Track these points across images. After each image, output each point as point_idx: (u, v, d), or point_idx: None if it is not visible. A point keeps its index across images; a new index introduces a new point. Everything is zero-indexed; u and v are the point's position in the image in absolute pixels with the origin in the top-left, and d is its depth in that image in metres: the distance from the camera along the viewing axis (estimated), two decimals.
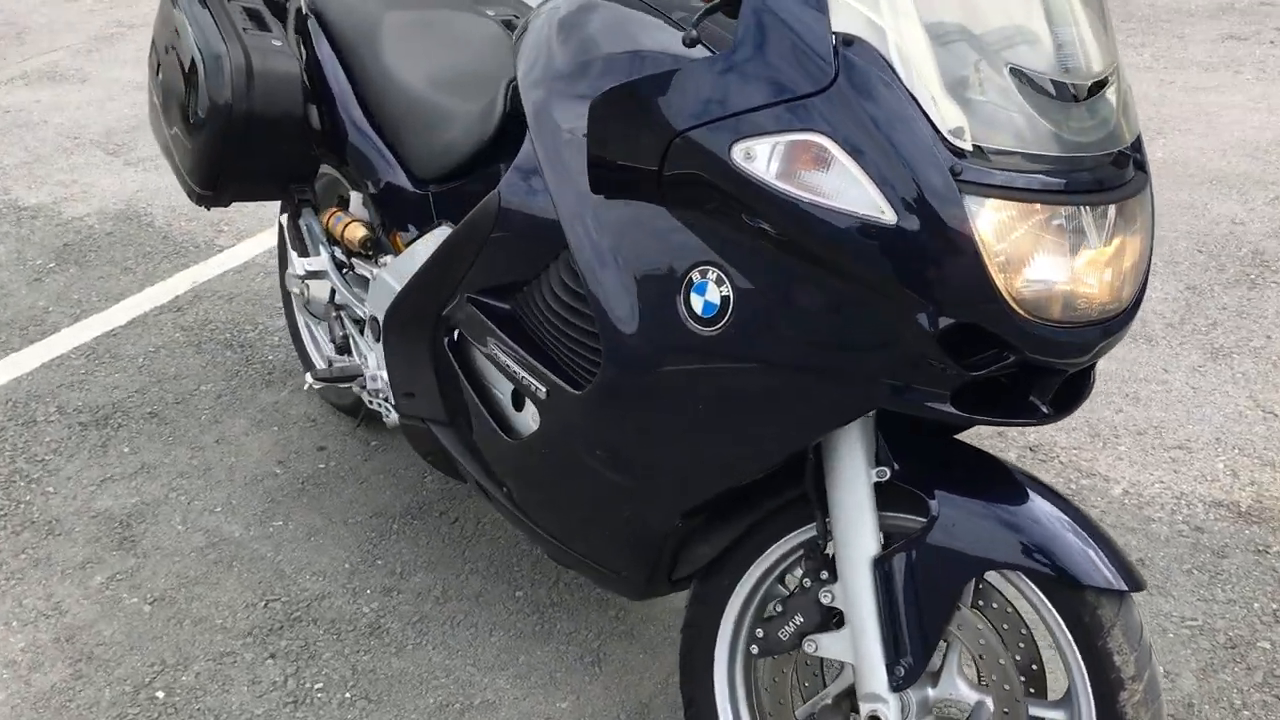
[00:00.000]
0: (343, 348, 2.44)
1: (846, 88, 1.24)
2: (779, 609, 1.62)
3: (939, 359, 1.27)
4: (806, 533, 1.62)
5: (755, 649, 1.64)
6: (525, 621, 2.31)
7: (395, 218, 2.23)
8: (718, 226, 1.40)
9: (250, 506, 2.65)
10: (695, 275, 1.44)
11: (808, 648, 1.59)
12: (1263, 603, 2.29)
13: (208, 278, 3.70)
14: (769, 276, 1.37)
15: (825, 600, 1.56)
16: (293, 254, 2.52)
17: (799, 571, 1.62)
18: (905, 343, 1.28)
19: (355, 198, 2.43)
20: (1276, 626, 2.23)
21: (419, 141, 2.16)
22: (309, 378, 2.36)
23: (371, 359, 2.33)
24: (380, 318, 2.24)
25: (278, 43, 2.38)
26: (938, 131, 1.22)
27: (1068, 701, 1.49)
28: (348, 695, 2.14)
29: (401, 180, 2.22)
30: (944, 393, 1.30)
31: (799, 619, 1.59)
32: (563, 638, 2.26)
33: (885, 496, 1.52)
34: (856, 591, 1.52)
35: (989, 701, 1.52)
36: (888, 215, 1.23)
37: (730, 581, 1.69)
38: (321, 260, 2.47)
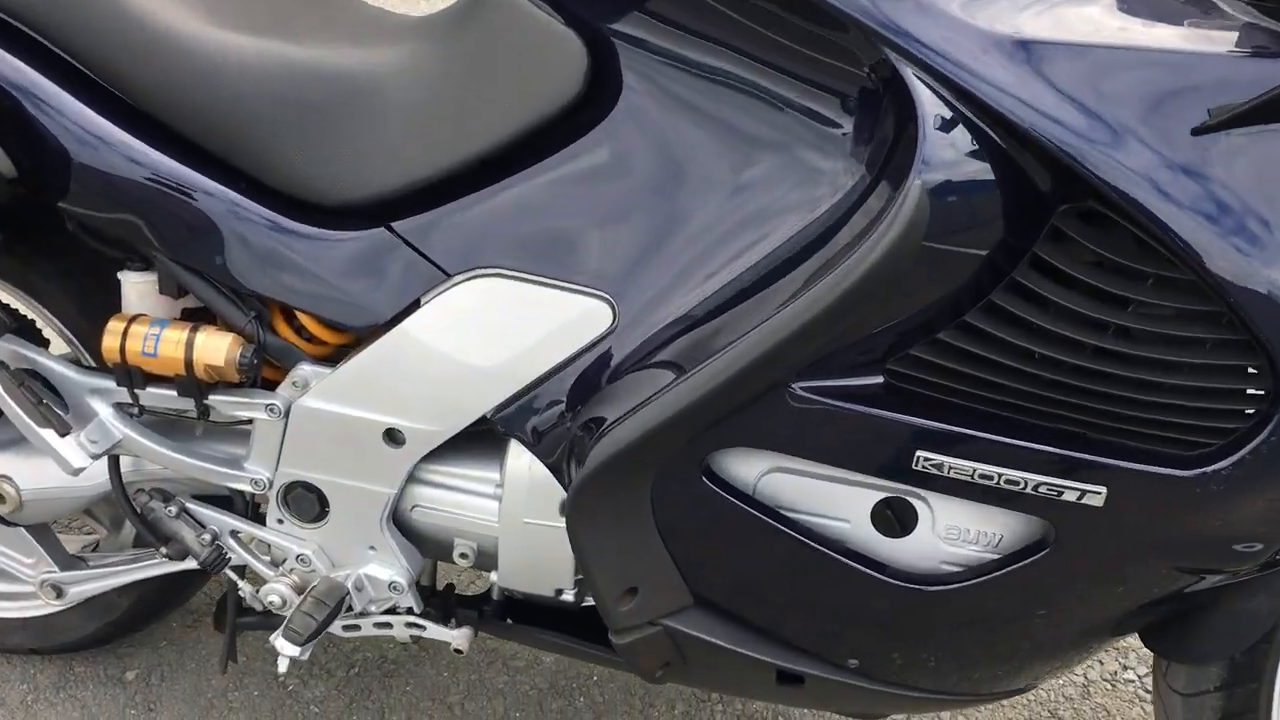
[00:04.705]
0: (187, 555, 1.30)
1: None
2: None
3: None
4: None
5: None
6: None
7: (309, 296, 1.17)
8: None
9: None
10: None
11: None
12: None
13: None
14: None
15: None
16: (56, 440, 1.23)
17: None
18: None
19: (139, 282, 1.24)
20: None
21: (359, 140, 1.13)
22: (290, 648, 1.21)
23: (311, 547, 1.27)
24: (327, 478, 1.22)
25: None
26: None
27: None
28: None
29: (300, 224, 1.16)
30: None
31: None
32: None
33: None
34: None
35: None
36: None
37: None
38: (106, 421, 1.25)
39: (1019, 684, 1.24)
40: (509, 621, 1.37)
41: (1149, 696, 1.69)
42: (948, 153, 0.91)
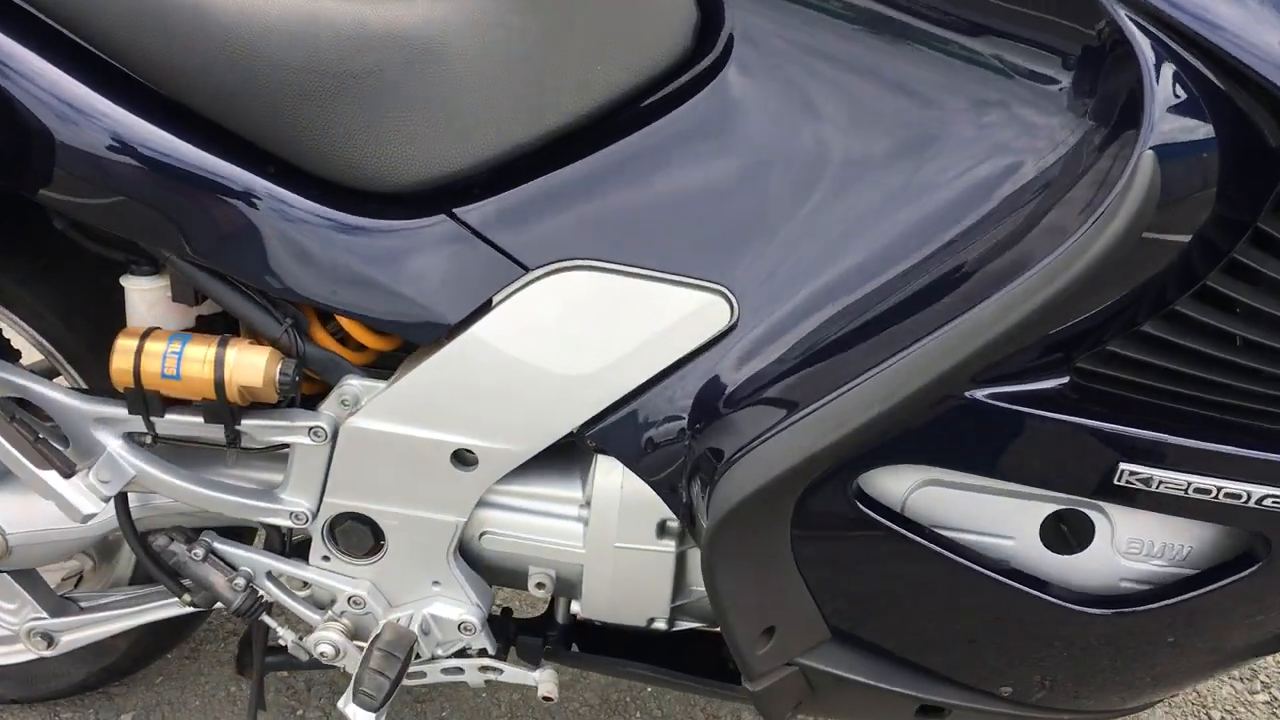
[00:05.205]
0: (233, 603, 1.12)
1: None
2: None
3: None
4: None
5: None
6: None
7: (359, 299, 0.98)
8: None
9: None
10: None
11: None
12: None
13: None
14: None
15: None
16: (60, 483, 1.03)
17: None
18: None
19: (148, 289, 1.04)
20: None
21: (414, 113, 0.94)
22: (364, 715, 1.04)
23: (364, 586, 1.10)
24: (383, 508, 1.05)
25: None
26: None
27: None
28: None
29: (346, 214, 0.97)
30: None
31: None
32: None
33: None
34: None
35: None
36: None
37: None
38: (116, 455, 1.05)
39: (1166, 695, 1.13)
40: (575, 649, 1.21)
41: (1238, 674, 1.60)
42: (1176, 115, 0.76)
